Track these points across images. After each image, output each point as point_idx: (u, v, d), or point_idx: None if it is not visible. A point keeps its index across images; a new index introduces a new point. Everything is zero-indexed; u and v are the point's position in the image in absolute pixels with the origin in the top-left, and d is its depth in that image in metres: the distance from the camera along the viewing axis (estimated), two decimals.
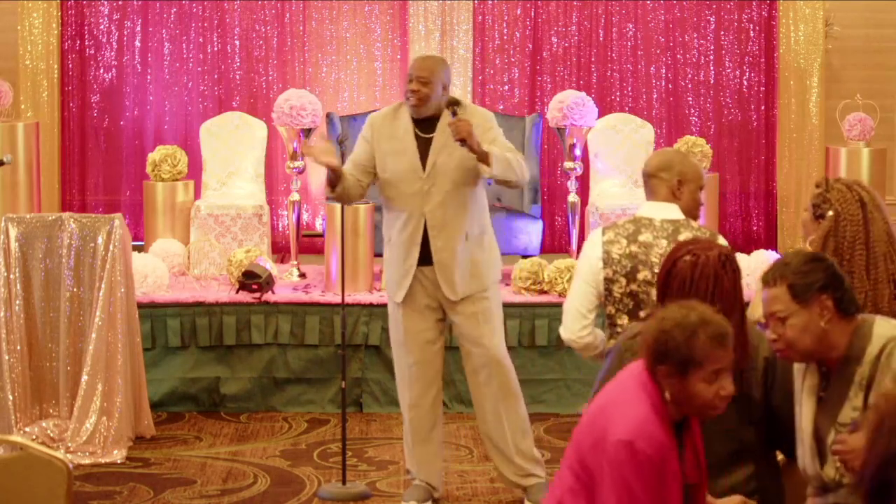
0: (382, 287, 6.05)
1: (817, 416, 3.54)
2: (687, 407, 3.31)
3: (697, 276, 3.71)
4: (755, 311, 4.35)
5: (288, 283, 8.01)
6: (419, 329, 5.83)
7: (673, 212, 4.55)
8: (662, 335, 3.28)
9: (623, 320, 4.53)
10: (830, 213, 4.21)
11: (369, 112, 8.93)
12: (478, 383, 5.91)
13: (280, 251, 9.03)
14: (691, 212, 4.59)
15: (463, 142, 5.52)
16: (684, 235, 4.44)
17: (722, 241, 4.39)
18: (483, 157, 5.56)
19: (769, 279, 3.51)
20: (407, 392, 5.91)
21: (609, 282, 4.55)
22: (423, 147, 5.74)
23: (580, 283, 4.67)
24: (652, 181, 4.61)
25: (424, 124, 5.76)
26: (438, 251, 5.72)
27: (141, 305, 7.12)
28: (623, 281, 4.53)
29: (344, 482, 6.13)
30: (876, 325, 3.50)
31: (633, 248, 4.51)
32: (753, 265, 7.87)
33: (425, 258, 5.75)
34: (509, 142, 5.91)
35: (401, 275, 5.78)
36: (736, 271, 3.74)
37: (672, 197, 4.57)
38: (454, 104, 5.66)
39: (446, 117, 5.68)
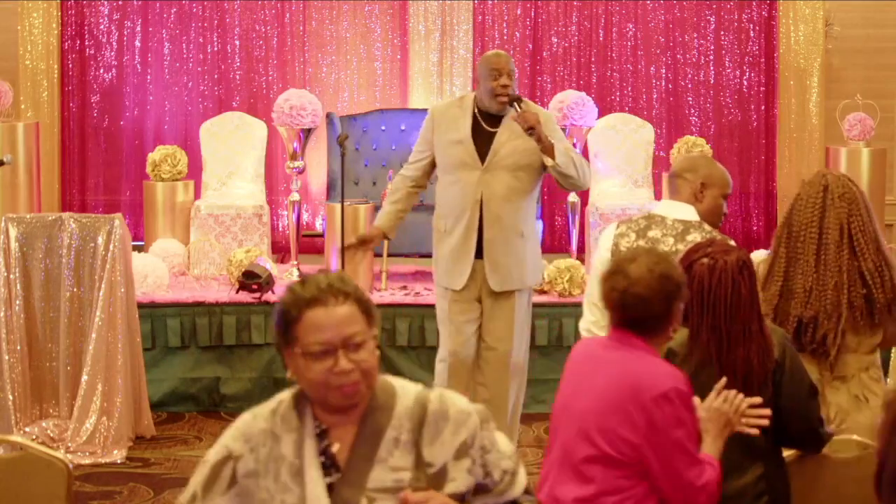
0: (437, 281, 6.11)
1: (336, 486, 2.75)
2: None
3: (715, 282, 3.72)
4: None
5: (288, 283, 8.00)
6: (465, 319, 5.91)
7: (687, 212, 4.54)
8: (673, 273, 3.49)
9: None
10: (797, 193, 4.32)
11: (369, 112, 8.99)
12: (487, 376, 6.00)
13: (280, 251, 9.03)
14: (711, 217, 4.58)
15: (531, 130, 5.65)
16: (693, 237, 4.43)
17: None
18: (548, 149, 5.70)
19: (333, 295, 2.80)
20: (448, 377, 5.98)
21: None
22: (487, 139, 5.86)
23: (592, 274, 4.70)
24: (676, 181, 4.63)
25: (490, 119, 5.88)
26: (490, 241, 5.82)
27: (141, 305, 7.11)
28: None
29: None
30: (393, 380, 2.91)
31: (641, 242, 4.52)
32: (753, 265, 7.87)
33: (478, 249, 5.87)
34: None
35: (458, 263, 5.87)
36: (752, 276, 3.75)
37: (693, 199, 4.58)
38: (517, 100, 5.78)
39: (511, 113, 5.83)
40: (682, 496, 3.43)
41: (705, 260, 3.75)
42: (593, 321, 4.64)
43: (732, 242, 4.40)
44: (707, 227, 4.54)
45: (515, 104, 5.75)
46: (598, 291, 3.61)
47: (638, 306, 3.47)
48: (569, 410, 3.54)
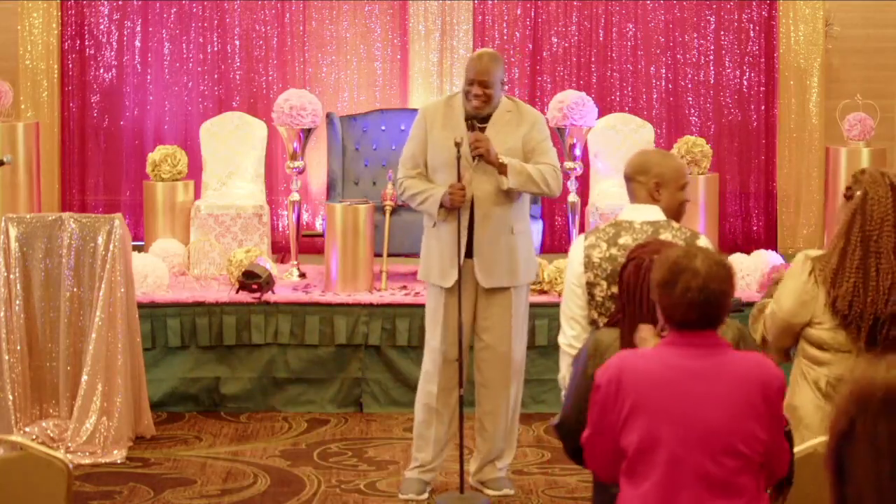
0: (422, 276, 6.09)
1: None
2: None
3: (641, 280, 3.73)
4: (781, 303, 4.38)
5: (288, 283, 8.01)
6: (462, 319, 5.86)
7: (653, 213, 4.48)
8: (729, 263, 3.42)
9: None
10: (859, 192, 4.26)
11: (369, 112, 8.99)
12: (486, 376, 6.00)
13: (280, 251, 9.03)
14: (673, 212, 4.51)
15: (480, 157, 5.73)
16: (664, 236, 4.38)
17: (703, 240, 4.33)
18: (502, 170, 5.76)
19: None
20: (436, 376, 5.95)
21: (591, 286, 4.52)
22: None
23: (567, 289, 4.65)
24: (631, 184, 4.55)
25: (480, 117, 5.90)
26: (479, 240, 5.82)
27: (141, 305, 7.11)
28: (604, 284, 4.48)
29: (462, 491, 5.92)
30: None
31: (613, 251, 4.45)
32: (753, 265, 7.86)
33: (469, 247, 5.86)
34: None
35: (451, 260, 5.83)
36: None
37: (651, 199, 4.51)
38: (477, 120, 5.83)
39: (502, 112, 5.87)
40: (782, 468, 3.51)
41: (633, 263, 3.76)
42: (574, 335, 4.62)
43: (703, 239, 4.35)
44: (675, 224, 4.46)
45: (473, 122, 5.81)
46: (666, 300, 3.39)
47: (719, 301, 3.36)
48: (688, 433, 3.36)
